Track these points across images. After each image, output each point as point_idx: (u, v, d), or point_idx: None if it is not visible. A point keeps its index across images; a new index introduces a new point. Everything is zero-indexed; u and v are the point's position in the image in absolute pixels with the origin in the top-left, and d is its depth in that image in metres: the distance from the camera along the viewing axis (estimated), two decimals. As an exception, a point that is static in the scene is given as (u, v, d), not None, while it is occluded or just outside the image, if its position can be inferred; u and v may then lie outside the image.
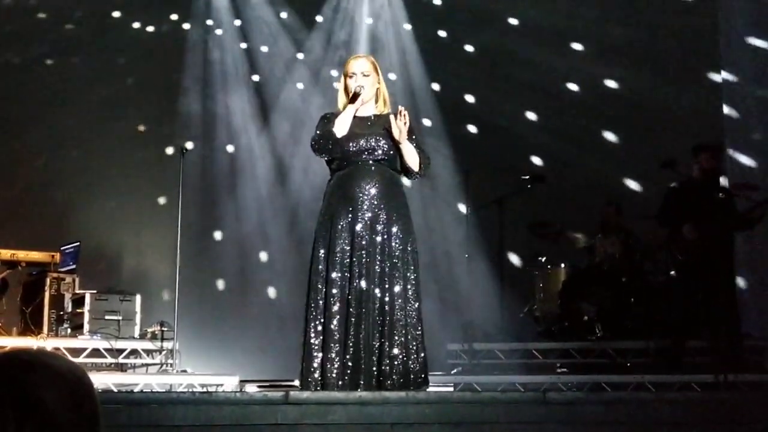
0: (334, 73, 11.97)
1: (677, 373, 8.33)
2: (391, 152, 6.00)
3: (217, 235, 12.03)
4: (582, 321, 9.90)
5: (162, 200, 11.07)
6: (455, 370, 9.36)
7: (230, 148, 12.24)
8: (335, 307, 5.75)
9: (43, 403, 1.57)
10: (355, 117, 6.04)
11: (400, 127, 5.88)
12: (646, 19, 11.70)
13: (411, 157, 6.02)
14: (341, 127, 5.97)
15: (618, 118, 11.75)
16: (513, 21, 12.23)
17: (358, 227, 5.84)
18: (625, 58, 11.73)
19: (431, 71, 12.30)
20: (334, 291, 5.77)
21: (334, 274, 5.79)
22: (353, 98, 6.01)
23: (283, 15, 12.52)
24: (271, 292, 11.77)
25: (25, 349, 1.69)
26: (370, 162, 5.96)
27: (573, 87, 11.98)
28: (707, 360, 8.62)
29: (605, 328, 9.65)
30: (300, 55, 12.51)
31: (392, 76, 11.89)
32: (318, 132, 6.08)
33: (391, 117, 5.95)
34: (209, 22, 12.41)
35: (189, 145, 9.56)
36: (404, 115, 5.87)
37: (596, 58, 11.83)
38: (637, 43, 11.70)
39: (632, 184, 11.41)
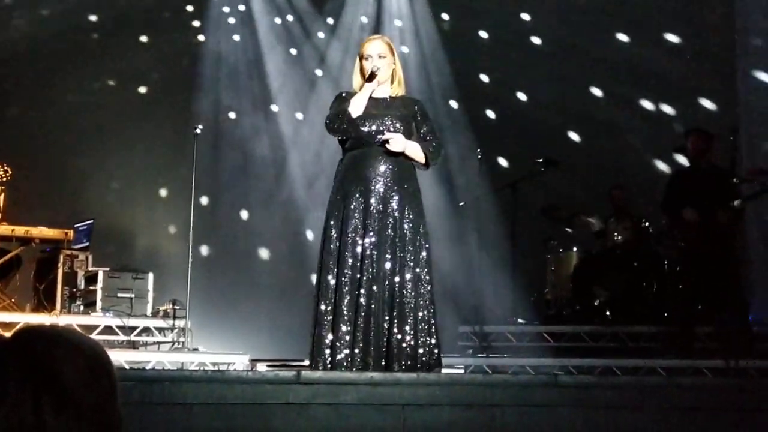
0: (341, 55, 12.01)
1: (688, 358, 8.35)
2: (405, 134, 6.00)
3: (230, 214, 12.04)
4: (593, 305, 9.90)
5: (175, 179, 11.07)
6: (466, 353, 9.38)
7: (243, 129, 12.24)
8: (346, 288, 5.76)
9: (61, 377, 1.59)
10: (370, 98, 6.03)
11: (394, 148, 5.91)
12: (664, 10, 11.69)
13: (417, 157, 6.02)
14: (357, 107, 5.96)
15: (631, 103, 11.73)
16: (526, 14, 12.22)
17: (371, 208, 5.84)
18: (639, 43, 11.72)
19: (448, 53, 12.27)
20: (346, 271, 5.78)
21: (346, 254, 5.80)
22: (370, 78, 5.99)
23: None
24: (283, 271, 11.79)
25: (44, 324, 1.71)
26: (384, 144, 5.96)
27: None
28: (717, 345, 8.62)
29: (617, 312, 9.66)
30: (313, 38, 12.53)
31: (405, 51, 11.86)
32: (332, 111, 6.08)
33: (390, 137, 5.93)
34: (226, 8, 12.41)
35: (203, 125, 9.56)
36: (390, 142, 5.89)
37: (614, 46, 11.82)
38: (653, 34, 11.70)
39: (646, 168, 11.38)
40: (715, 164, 8.88)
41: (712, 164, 8.87)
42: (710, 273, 8.55)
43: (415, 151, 5.99)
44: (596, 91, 11.94)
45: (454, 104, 12.10)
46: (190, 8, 12.41)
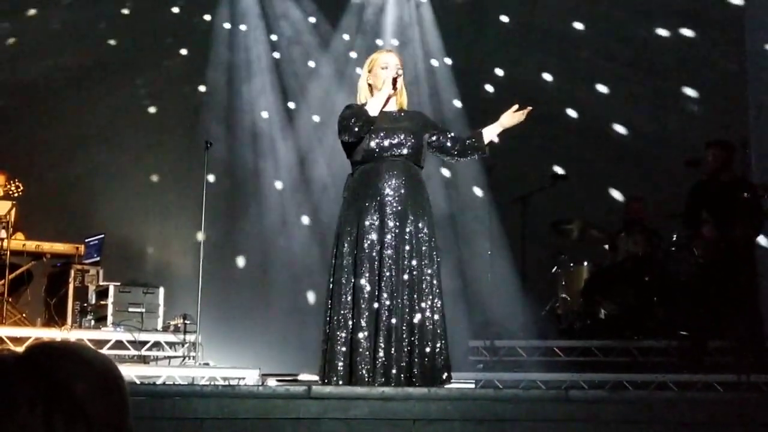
0: (358, 69, 12.00)
1: (699, 373, 8.31)
2: (416, 147, 6.01)
3: (241, 228, 12.06)
4: (603, 319, 9.88)
5: (186, 194, 11.09)
6: (477, 367, 9.36)
7: (254, 143, 12.26)
8: (364, 302, 5.73)
9: (72, 392, 1.59)
10: (380, 111, 6.02)
11: (517, 118, 6.11)
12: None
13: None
14: (374, 108, 5.95)
15: (642, 115, 11.72)
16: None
17: (386, 222, 5.83)
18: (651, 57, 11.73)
19: (456, 64, 12.28)
20: (364, 286, 5.75)
21: (362, 270, 5.78)
22: (393, 82, 5.99)
23: (309, 10, 12.56)
24: (294, 286, 11.79)
25: (55, 339, 1.71)
26: (396, 157, 5.96)
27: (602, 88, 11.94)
28: (729, 360, 8.59)
29: (627, 327, 9.63)
30: (325, 49, 12.56)
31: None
32: (346, 112, 6.02)
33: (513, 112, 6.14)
34: (237, 24, 12.47)
35: (213, 138, 9.58)
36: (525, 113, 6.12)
37: (626, 55, 11.82)
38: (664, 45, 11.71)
39: (656, 182, 11.36)
40: (737, 176, 8.80)
41: (734, 176, 8.79)
42: (726, 286, 8.51)
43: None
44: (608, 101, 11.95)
45: (464, 116, 12.09)
46: (200, 24, 12.45)
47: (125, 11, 12.27)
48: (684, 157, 9.47)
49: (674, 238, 9.63)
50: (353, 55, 12.29)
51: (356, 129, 5.91)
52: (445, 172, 11.53)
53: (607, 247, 10.35)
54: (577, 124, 11.90)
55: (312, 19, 12.57)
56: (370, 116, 5.92)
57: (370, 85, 6.14)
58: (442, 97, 12.18)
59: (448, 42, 12.35)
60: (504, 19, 12.39)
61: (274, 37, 12.52)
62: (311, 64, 12.59)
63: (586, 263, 10.42)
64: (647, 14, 11.74)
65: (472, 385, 8.57)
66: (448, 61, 12.33)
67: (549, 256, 10.67)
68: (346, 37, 12.52)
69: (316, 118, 12.35)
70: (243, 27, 12.49)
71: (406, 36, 12.43)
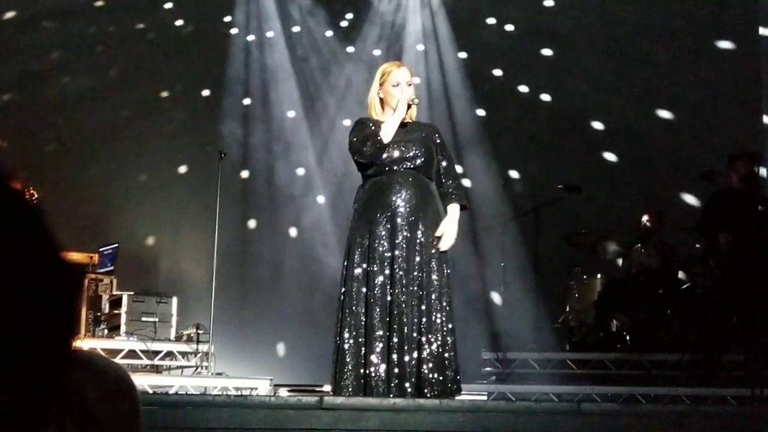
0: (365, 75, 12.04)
1: (713, 387, 8.27)
2: (427, 159, 6.02)
3: (254, 239, 12.07)
4: (617, 332, 9.85)
5: (200, 204, 11.12)
6: (489, 379, 9.34)
7: (268, 154, 12.28)
8: (377, 313, 5.74)
9: (85, 401, 1.59)
10: (390, 126, 6.05)
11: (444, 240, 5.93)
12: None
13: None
14: (388, 133, 5.95)
15: (658, 128, 11.71)
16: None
17: (398, 235, 5.83)
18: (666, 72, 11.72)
19: (470, 79, 12.29)
20: (375, 297, 5.76)
21: (374, 281, 5.79)
22: (408, 107, 6.02)
23: (326, 20, 12.61)
24: (307, 297, 11.79)
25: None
26: (407, 169, 5.96)
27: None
28: (743, 374, 8.54)
29: (641, 339, 9.59)
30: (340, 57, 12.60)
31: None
32: (360, 134, 6.03)
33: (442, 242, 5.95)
34: (249, 37, 12.51)
35: (227, 149, 9.61)
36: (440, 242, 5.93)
37: (641, 62, 11.81)
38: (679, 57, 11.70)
39: (671, 195, 11.33)
40: (753, 189, 8.74)
41: (749, 189, 8.73)
42: (741, 300, 8.47)
43: (456, 220, 6.03)
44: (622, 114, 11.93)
45: (477, 129, 12.09)
46: (213, 37, 12.48)
47: (141, 25, 12.31)
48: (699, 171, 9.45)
49: (690, 252, 9.59)
50: (365, 67, 12.30)
51: (368, 153, 5.94)
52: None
53: (621, 260, 10.32)
54: (593, 135, 11.89)
55: (325, 33, 12.60)
56: (384, 143, 5.93)
57: (381, 99, 6.15)
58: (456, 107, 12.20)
59: (466, 51, 12.38)
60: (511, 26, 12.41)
61: (292, 46, 12.53)
62: (327, 72, 12.59)
63: (599, 275, 10.39)
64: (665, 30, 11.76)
65: (485, 397, 8.56)
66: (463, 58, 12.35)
67: (562, 269, 10.64)
68: (364, 44, 12.53)
69: (330, 130, 12.36)
70: (259, 35, 12.51)
71: (424, 43, 12.46)
